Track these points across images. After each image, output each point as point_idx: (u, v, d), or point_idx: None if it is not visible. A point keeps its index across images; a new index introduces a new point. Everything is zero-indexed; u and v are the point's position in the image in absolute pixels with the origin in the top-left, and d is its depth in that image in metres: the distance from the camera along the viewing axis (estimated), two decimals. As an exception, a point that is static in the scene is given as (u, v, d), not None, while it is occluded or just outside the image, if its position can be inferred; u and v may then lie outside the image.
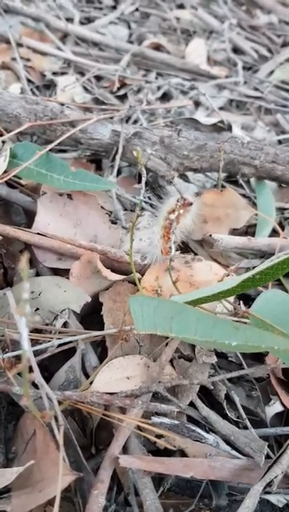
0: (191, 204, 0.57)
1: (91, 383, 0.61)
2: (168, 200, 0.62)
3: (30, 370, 0.53)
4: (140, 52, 1.47)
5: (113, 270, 0.75)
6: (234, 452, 0.60)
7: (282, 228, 0.91)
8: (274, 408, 0.67)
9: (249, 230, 0.96)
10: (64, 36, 1.51)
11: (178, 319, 0.53)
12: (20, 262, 0.31)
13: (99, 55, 1.45)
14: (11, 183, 0.88)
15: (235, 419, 0.66)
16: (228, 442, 0.62)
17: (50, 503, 0.52)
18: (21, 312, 0.32)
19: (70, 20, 1.56)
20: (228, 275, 0.69)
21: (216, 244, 0.78)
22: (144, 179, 0.54)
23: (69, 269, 0.74)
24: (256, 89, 1.50)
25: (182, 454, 0.61)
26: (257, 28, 1.86)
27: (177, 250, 0.65)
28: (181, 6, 1.90)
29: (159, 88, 1.37)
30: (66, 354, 0.68)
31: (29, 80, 1.27)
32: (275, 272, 0.55)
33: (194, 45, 1.60)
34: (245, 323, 0.72)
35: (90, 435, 0.62)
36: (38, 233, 0.77)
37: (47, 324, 0.69)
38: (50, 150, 0.81)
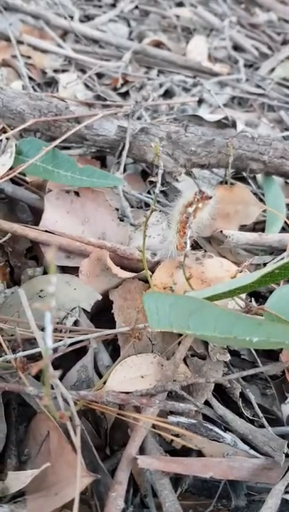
0: (210, 198, 0.56)
1: (104, 383, 0.60)
2: (184, 194, 0.61)
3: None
4: (142, 49, 1.46)
5: (123, 268, 0.74)
6: (252, 451, 0.59)
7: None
8: (290, 406, 0.65)
9: (256, 227, 0.95)
10: (64, 34, 1.50)
11: (196, 316, 0.52)
12: (47, 255, 0.30)
13: (100, 53, 1.44)
14: (16, 180, 0.86)
15: (250, 417, 0.65)
16: (245, 441, 0.61)
17: (67, 506, 0.51)
18: (47, 307, 0.31)
19: (70, 18, 1.55)
20: (241, 271, 0.68)
21: (227, 241, 0.77)
22: (160, 172, 0.53)
23: (78, 267, 0.73)
24: (258, 86, 1.49)
25: (199, 453, 0.59)
26: (257, 26, 1.85)
27: (197, 247, 0.63)
28: (180, 4, 1.89)
29: (161, 85, 1.36)
30: (77, 353, 0.66)
31: (30, 78, 1.26)
32: (295, 267, 0.54)
33: (195, 42, 1.58)
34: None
35: (105, 436, 0.61)
36: (46, 231, 0.75)
37: (57, 323, 0.68)
38: (55, 146, 0.80)
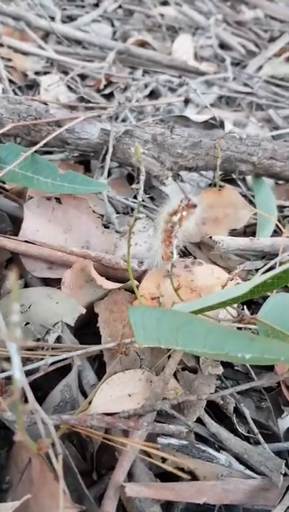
0: (195, 206, 0.52)
1: (90, 403, 0.56)
2: (169, 201, 0.57)
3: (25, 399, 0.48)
4: (125, 49, 1.42)
5: (108, 278, 0.70)
6: (248, 471, 0.56)
7: (283, 227, 0.87)
8: (287, 421, 0.62)
9: (247, 230, 0.92)
10: (46, 35, 1.46)
11: (184, 331, 0.48)
12: (9, 276, 0.26)
13: (83, 54, 1.40)
14: (-5, 188, 0.82)
15: (245, 434, 0.61)
16: (240, 461, 0.57)
17: (50, 539, 0.47)
18: (12, 337, 0.27)
19: (51, 18, 1.51)
20: (232, 279, 0.65)
21: (217, 247, 0.73)
22: (142, 178, 0.49)
23: (60, 279, 0.69)
24: (246, 84, 1.46)
25: (191, 475, 0.56)
26: (243, 24, 1.83)
27: (178, 255, 0.60)
28: (165, 3, 1.86)
29: (146, 86, 1.32)
30: (61, 371, 0.63)
31: (11, 81, 1.22)
32: (287, 276, 0.50)
33: (181, 41, 1.55)
34: (250, 329, 0.67)
35: (91, 460, 0.57)
36: (26, 241, 0.71)
37: (38, 340, 0.64)
38: (35, 151, 0.76)
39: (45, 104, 0.88)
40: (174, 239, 0.56)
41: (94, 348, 0.60)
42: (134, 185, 0.89)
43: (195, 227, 0.56)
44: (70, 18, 1.64)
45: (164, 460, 0.55)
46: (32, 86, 1.24)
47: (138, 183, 0.92)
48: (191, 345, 0.48)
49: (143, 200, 0.95)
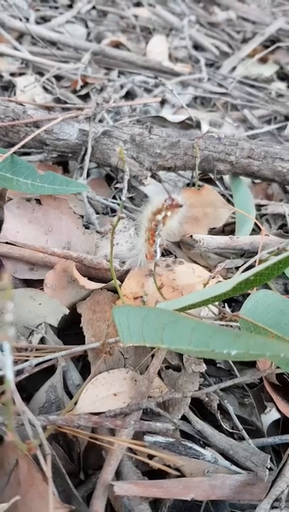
0: (180, 206, 0.53)
1: (75, 403, 0.56)
2: (152, 201, 0.58)
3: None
4: (100, 50, 1.42)
5: (90, 278, 0.71)
6: (234, 467, 0.56)
7: (261, 225, 0.88)
8: (270, 416, 0.63)
9: (226, 229, 0.93)
10: (20, 36, 1.45)
11: (170, 329, 0.49)
12: (8, 272, 0.26)
13: (58, 55, 1.40)
14: (-27, 189, 0.81)
15: (230, 430, 0.62)
16: (226, 457, 0.58)
17: None
18: (5, 337, 0.27)
19: (25, 20, 1.50)
20: (213, 277, 0.66)
21: (198, 245, 0.74)
22: (126, 178, 0.49)
23: (42, 280, 0.69)
24: (220, 85, 1.48)
25: (178, 472, 0.56)
26: (216, 25, 1.84)
27: (162, 254, 0.60)
28: (138, 4, 1.86)
29: (122, 87, 1.32)
30: (45, 372, 0.62)
31: (-15, 82, 1.21)
32: (270, 273, 0.51)
33: (155, 42, 1.56)
34: (232, 326, 0.68)
35: (78, 460, 0.57)
36: (7, 242, 0.71)
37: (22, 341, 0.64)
38: (14, 153, 0.76)
39: (22, 105, 0.88)
40: (157, 238, 0.56)
41: (78, 349, 0.60)
42: (117, 185, 0.89)
43: (178, 226, 0.57)
44: (44, 19, 1.63)
45: (150, 458, 0.55)
46: (7, 87, 1.23)
47: (121, 182, 0.92)
48: (177, 344, 0.49)
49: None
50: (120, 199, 0.93)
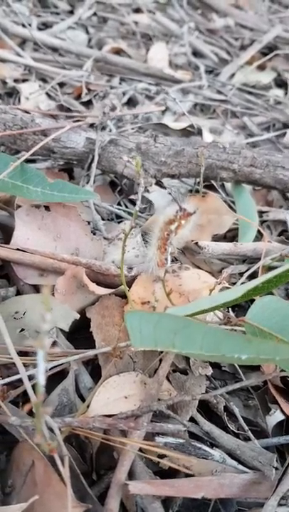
0: (191, 214, 0.55)
1: (88, 406, 0.58)
2: (162, 210, 0.60)
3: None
4: (102, 57, 1.45)
5: (98, 284, 0.72)
6: (241, 467, 0.58)
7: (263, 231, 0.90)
8: (275, 417, 0.65)
9: (228, 235, 0.95)
10: (22, 42, 1.47)
11: (182, 334, 0.51)
12: (43, 290, 0.28)
13: (60, 61, 1.42)
14: (-17, 197, 0.83)
15: (236, 431, 0.64)
16: (232, 456, 0.60)
17: (57, 538, 0.49)
18: (41, 345, 0.29)
19: (26, 26, 1.52)
20: (219, 283, 0.68)
21: (203, 252, 0.76)
22: (141, 190, 0.51)
23: (52, 286, 0.71)
24: (220, 92, 1.50)
25: (187, 471, 0.58)
26: (215, 32, 1.87)
27: (172, 261, 0.62)
28: (138, 10, 1.88)
29: (124, 93, 1.35)
30: (57, 376, 0.64)
31: (-11, 89, 1.23)
32: (278, 280, 0.53)
33: (156, 49, 1.58)
34: (236, 331, 0.70)
35: (90, 461, 0.59)
36: (18, 249, 0.73)
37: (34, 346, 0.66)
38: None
39: (28, 113, 0.90)
40: (169, 246, 0.58)
41: (90, 353, 0.62)
42: (132, 196, 0.91)
43: (188, 234, 0.59)
44: (45, 25, 1.65)
45: (161, 458, 0.57)
46: (11, 93, 1.25)
47: (125, 189, 0.95)
48: (188, 348, 0.51)
49: (127, 207, 0.97)
50: (126, 206, 0.95)
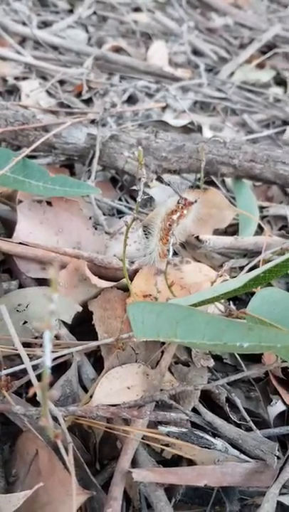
0: (192, 203, 0.56)
1: (91, 396, 0.59)
2: (165, 202, 0.60)
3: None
4: (102, 55, 1.45)
5: (100, 277, 0.73)
6: (243, 456, 0.59)
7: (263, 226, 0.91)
8: (276, 408, 0.66)
9: (228, 230, 0.96)
10: (23, 40, 1.48)
11: (184, 324, 0.51)
12: (47, 273, 0.28)
13: (60, 59, 1.42)
14: (-15, 191, 0.84)
15: (238, 421, 0.65)
16: (234, 446, 0.60)
17: (61, 525, 0.49)
18: (48, 326, 0.30)
19: (26, 24, 1.53)
20: (220, 276, 0.68)
21: (204, 246, 0.77)
22: (142, 181, 0.52)
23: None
24: (219, 90, 1.51)
25: (189, 461, 0.59)
26: (214, 31, 1.88)
27: (175, 254, 0.63)
28: (137, 9, 1.89)
29: (124, 91, 1.35)
30: (60, 367, 0.65)
31: (-10, 86, 1.23)
32: (279, 270, 0.54)
33: (155, 47, 1.59)
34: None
35: (94, 450, 0.59)
36: (20, 243, 0.73)
37: (36, 337, 0.66)
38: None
39: (29, 109, 0.90)
40: (171, 237, 0.59)
41: (93, 344, 0.63)
42: (134, 187, 0.92)
43: (191, 224, 0.60)
44: (45, 24, 1.65)
45: (163, 449, 0.58)
46: (12, 91, 1.25)
47: (126, 185, 0.95)
48: (190, 338, 0.51)
49: (128, 202, 0.98)
50: (127, 201, 0.96)
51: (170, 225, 0.59)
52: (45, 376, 0.33)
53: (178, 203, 0.56)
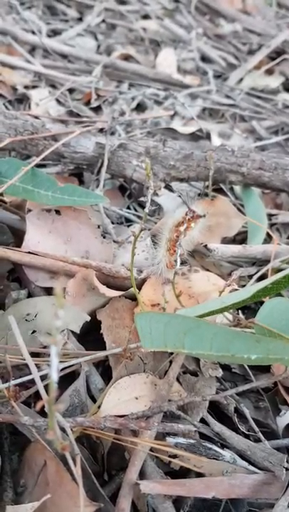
0: (200, 217, 0.56)
1: (99, 406, 0.59)
2: (172, 213, 0.60)
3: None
4: (111, 63, 1.46)
5: (108, 286, 0.73)
6: (251, 467, 0.59)
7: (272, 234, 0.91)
8: (285, 418, 0.65)
9: (237, 238, 0.96)
10: (32, 49, 1.49)
11: (191, 335, 0.51)
12: (54, 287, 0.29)
13: (69, 67, 1.43)
14: (-6, 201, 0.84)
15: (246, 432, 0.64)
16: (243, 457, 0.60)
17: (69, 537, 0.49)
18: (53, 341, 0.30)
19: (36, 33, 1.54)
20: (229, 285, 0.68)
21: (212, 254, 0.77)
22: (150, 192, 0.52)
23: (63, 288, 0.72)
24: (228, 96, 1.51)
25: (197, 473, 0.59)
26: (222, 37, 1.88)
27: (183, 263, 0.63)
28: (146, 17, 1.90)
29: (133, 99, 1.36)
30: (68, 377, 0.65)
31: (0, 95, 1.24)
32: (287, 281, 0.54)
33: (164, 55, 1.59)
34: (245, 332, 0.71)
35: (102, 461, 0.59)
36: (29, 252, 0.74)
37: (45, 347, 0.66)
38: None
39: (38, 118, 0.91)
40: (178, 248, 0.59)
41: (101, 354, 0.63)
42: (142, 198, 0.92)
43: (198, 235, 0.60)
44: (55, 33, 1.67)
45: (171, 459, 0.58)
46: (22, 100, 1.26)
47: (134, 193, 0.95)
48: (198, 349, 0.51)
49: (136, 210, 0.98)
50: (135, 209, 0.96)
51: (177, 237, 0.59)
52: (52, 390, 0.33)
53: (186, 214, 0.56)
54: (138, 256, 0.77)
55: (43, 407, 0.42)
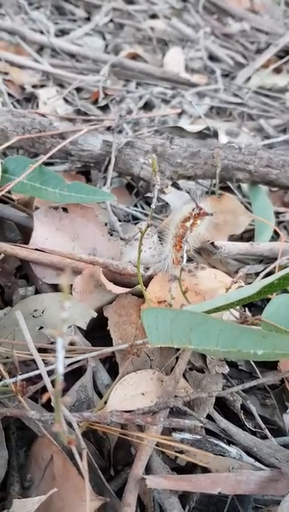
0: (207, 214, 0.56)
1: (105, 402, 0.59)
2: (179, 209, 0.61)
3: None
4: (119, 62, 1.46)
5: (115, 283, 0.73)
6: (258, 464, 0.58)
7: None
8: (292, 415, 0.65)
9: (244, 235, 0.96)
10: (40, 49, 1.50)
11: (198, 330, 0.51)
12: (61, 280, 0.29)
13: (77, 67, 1.44)
14: (2, 198, 0.85)
15: (253, 429, 0.64)
16: (249, 454, 0.60)
17: (75, 531, 0.49)
18: (59, 333, 0.30)
19: (44, 33, 1.55)
20: (235, 282, 0.68)
21: (219, 252, 0.77)
22: (156, 188, 0.52)
23: (70, 285, 0.72)
24: (236, 95, 1.51)
25: (203, 469, 0.59)
26: (230, 36, 1.88)
27: (190, 260, 0.63)
28: (154, 16, 1.90)
29: (140, 98, 1.36)
30: (75, 373, 0.65)
31: (9, 94, 1.25)
32: (293, 277, 0.54)
33: (172, 54, 1.60)
34: (252, 329, 0.70)
35: (108, 456, 0.60)
36: (37, 249, 0.74)
37: (52, 343, 0.67)
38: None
39: (45, 117, 0.91)
40: (184, 244, 0.59)
41: (108, 350, 0.63)
42: (148, 194, 0.92)
43: (205, 232, 0.60)
44: (63, 32, 1.67)
45: (177, 456, 0.58)
46: (30, 99, 1.27)
47: (141, 191, 0.95)
48: (204, 344, 0.51)
49: (143, 208, 0.98)
50: (142, 207, 0.96)
51: (183, 233, 0.59)
52: (58, 383, 0.34)
53: (192, 210, 0.56)
54: (145, 253, 0.77)
55: (50, 401, 0.42)
